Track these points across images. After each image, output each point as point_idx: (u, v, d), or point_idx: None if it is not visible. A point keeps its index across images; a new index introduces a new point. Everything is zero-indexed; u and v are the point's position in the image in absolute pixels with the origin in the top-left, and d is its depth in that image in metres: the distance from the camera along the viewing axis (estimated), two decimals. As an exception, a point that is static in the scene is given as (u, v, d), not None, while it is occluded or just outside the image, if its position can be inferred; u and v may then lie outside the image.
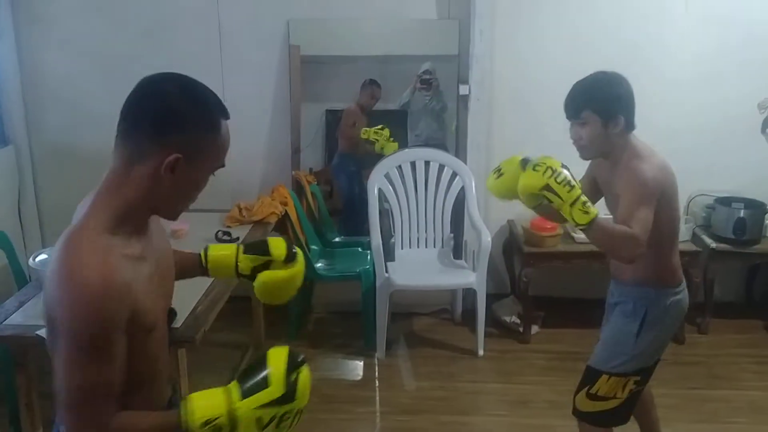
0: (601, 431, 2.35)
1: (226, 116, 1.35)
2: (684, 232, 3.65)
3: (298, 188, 3.83)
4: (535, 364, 3.57)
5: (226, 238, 3.05)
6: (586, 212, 1.99)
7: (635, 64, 3.71)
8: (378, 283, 3.51)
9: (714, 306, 3.82)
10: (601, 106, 2.12)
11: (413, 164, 3.82)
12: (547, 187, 1.99)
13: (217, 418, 1.21)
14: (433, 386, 3.36)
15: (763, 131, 3.86)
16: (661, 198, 2.09)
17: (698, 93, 3.79)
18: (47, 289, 1.22)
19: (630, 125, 2.15)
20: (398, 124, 4.15)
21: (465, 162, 3.85)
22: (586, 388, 2.32)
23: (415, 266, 3.72)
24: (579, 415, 2.36)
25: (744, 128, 3.81)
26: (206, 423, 1.21)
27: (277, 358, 1.29)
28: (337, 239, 4.02)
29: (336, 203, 4.15)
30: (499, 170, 2.23)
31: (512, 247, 3.95)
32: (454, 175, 3.80)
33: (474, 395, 3.34)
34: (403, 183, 3.81)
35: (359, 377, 3.47)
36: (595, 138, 2.14)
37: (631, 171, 2.09)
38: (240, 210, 3.33)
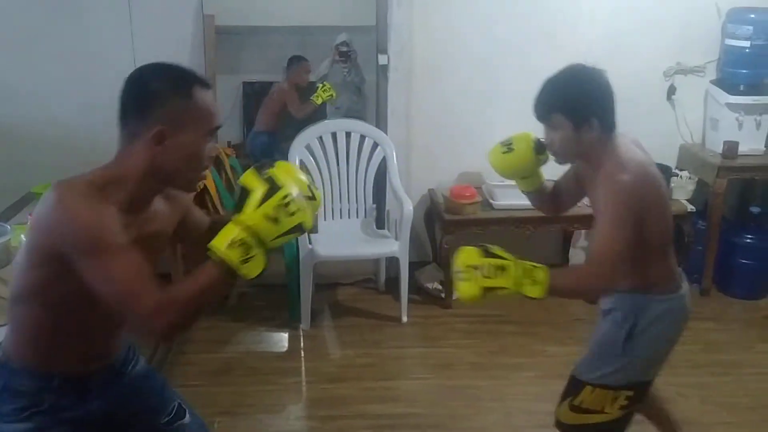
0: None
1: (202, 84, 1.48)
2: (596, 196, 3.78)
3: (217, 162, 3.77)
4: (457, 328, 3.66)
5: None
6: (535, 283, 1.76)
7: (553, 38, 3.84)
8: (301, 255, 3.51)
9: (625, 266, 3.99)
10: (570, 109, 1.91)
11: (334, 135, 3.82)
12: (485, 290, 1.77)
13: (234, 235, 1.37)
14: (358, 354, 3.41)
15: (668, 98, 4.04)
16: (643, 209, 1.87)
17: (608, 66, 3.90)
18: (45, 232, 1.39)
19: (607, 127, 1.93)
20: (306, 96, 4.14)
21: (386, 132, 3.87)
22: (568, 399, 2.12)
23: (339, 237, 3.73)
24: (561, 427, 2.18)
25: (651, 96, 3.97)
26: (230, 245, 1.36)
27: (248, 177, 1.44)
28: (258, 212, 3.97)
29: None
30: (510, 145, 2.08)
31: (433, 215, 4.01)
32: (375, 145, 3.81)
33: (399, 360, 3.41)
34: (325, 154, 3.81)
35: (284, 349, 3.48)
36: (567, 142, 1.94)
37: (610, 185, 1.86)
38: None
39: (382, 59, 3.83)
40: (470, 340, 3.54)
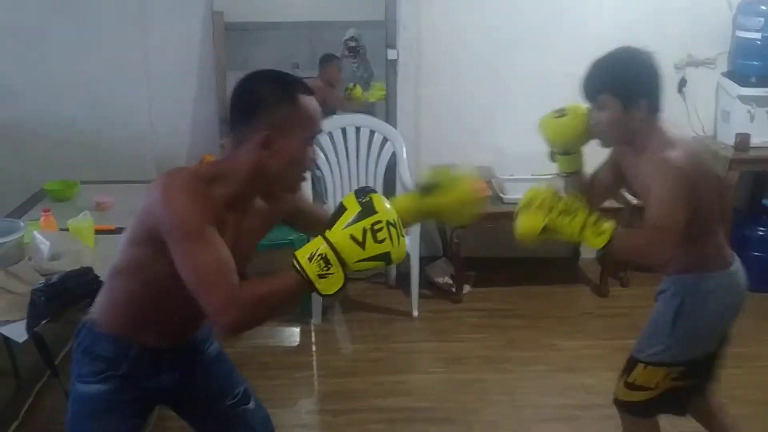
0: (642, 423, 2.19)
1: (306, 91, 1.54)
2: (606, 189, 3.77)
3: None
4: (467, 322, 3.66)
5: (154, 209, 3.00)
6: (600, 233, 1.82)
7: (561, 31, 3.83)
8: (312, 250, 3.51)
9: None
10: (620, 89, 1.92)
11: (344, 131, 3.82)
12: (546, 229, 1.84)
13: (317, 249, 1.40)
14: (369, 348, 3.42)
15: (679, 90, 4.02)
16: (694, 185, 1.89)
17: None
18: (148, 214, 1.48)
19: (654, 109, 1.95)
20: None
21: (395, 127, 3.87)
22: (624, 377, 2.17)
23: (348, 232, 3.73)
24: (617, 404, 2.23)
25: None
26: (311, 257, 1.39)
27: (348, 197, 1.47)
28: (269, 208, 3.99)
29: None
30: (563, 111, 2.06)
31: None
32: (384, 140, 3.81)
33: (409, 354, 3.42)
34: (335, 149, 3.81)
35: (296, 343, 3.49)
36: (614, 124, 1.94)
37: (661, 161, 1.89)
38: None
39: (391, 54, 3.83)
40: (480, 334, 3.54)
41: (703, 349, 2.13)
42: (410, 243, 3.58)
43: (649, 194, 1.92)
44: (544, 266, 4.18)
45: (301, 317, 3.64)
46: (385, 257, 1.41)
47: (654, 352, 2.09)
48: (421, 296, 3.74)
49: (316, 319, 3.61)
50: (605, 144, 2.07)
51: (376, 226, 1.39)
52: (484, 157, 3.95)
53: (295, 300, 1.49)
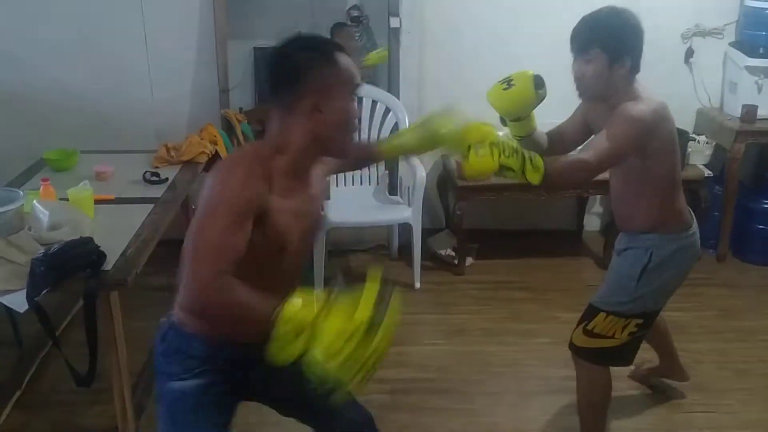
0: (596, 369, 2.30)
1: (339, 49, 1.56)
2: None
3: (228, 128, 3.74)
4: (469, 294, 3.65)
5: (154, 179, 2.97)
6: (536, 169, 1.92)
7: (563, 0, 3.77)
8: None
9: (639, 232, 3.96)
10: (610, 44, 2.02)
11: (345, 101, 3.77)
12: (501, 168, 1.91)
13: (297, 323, 1.34)
14: (371, 320, 3.41)
15: (686, 61, 3.96)
16: (650, 141, 2.02)
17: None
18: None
19: (635, 68, 2.07)
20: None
21: (398, 97, 3.82)
22: (583, 324, 2.28)
23: (351, 204, 3.72)
24: (574, 349, 2.33)
25: (668, 58, 3.89)
26: (287, 321, 1.34)
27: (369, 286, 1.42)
28: (270, 179, 3.96)
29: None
30: (510, 81, 2.11)
31: (446, 181, 3.98)
32: (387, 111, 3.77)
33: (412, 326, 3.40)
34: (336, 120, 3.77)
35: (298, 315, 3.48)
36: (598, 77, 2.05)
37: (623, 109, 2.01)
38: (168, 150, 3.24)
39: (394, 22, 3.77)
40: (482, 306, 3.53)
41: (659, 303, 2.28)
42: (413, 215, 3.56)
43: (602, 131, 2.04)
44: (547, 238, 4.17)
45: (303, 289, 3.63)
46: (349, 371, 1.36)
47: (617, 302, 2.21)
48: (423, 268, 3.72)
49: (318, 290, 3.59)
50: (583, 96, 2.17)
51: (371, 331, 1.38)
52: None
53: (254, 331, 1.39)
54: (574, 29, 2.09)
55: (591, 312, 2.27)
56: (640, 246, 2.20)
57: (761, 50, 3.71)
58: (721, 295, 3.60)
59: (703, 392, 2.85)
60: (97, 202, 2.61)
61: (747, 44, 3.79)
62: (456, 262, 3.85)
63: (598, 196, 4.17)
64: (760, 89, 3.74)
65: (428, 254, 3.90)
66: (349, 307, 1.37)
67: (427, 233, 3.88)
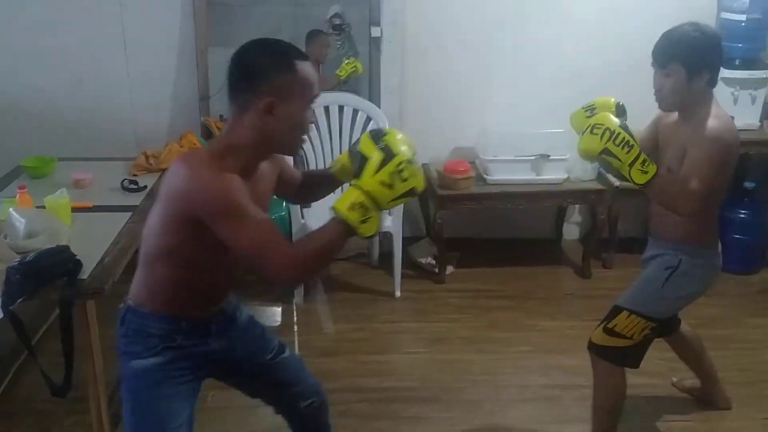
0: (614, 370, 2.37)
1: (300, 57, 1.62)
2: (590, 170, 3.78)
3: (208, 135, 3.73)
4: (450, 302, 3.66)
5: (132, 187, 2.95)
6: (645, 171, 2.01)
7: (547, 13, 3.79)
8: (294, 229, 3.49)
9: (618, 242, 4.00)
10: (689, 59, 2.10)
11: (327, 109, 3.78)
12: (606, 151, 2.02)
13: (354, 198, 1.53)
14: (352, 328, 3.41)
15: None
16: (726, 161, 2.11)
17: (603, 39, 3.85)
18: (180, 201, 1.57)
19: (713, 82, 2.15)
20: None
21: (379, 106, 3.83)
22: (605, 323, 2.36)
23: (331, 211, 3.70)
24: (592, 347, 2.40)
25: (647, 70, 3.89)
26: (351, 207, 1.53)
27: (365, 145, 1.61)
28: (251, 187, 3.95)
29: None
30: (593, 109, 2.23)
31: (427, 190, 3.98)
32: (368, 119, 3.78)
33: (392, 335, 3.41)
34: (318, 128, 3.77)
35: (278, 323, 3.47)
36: (676, 91, 2.14)
37: (708, 129, 2.08)
38: (147, 158, 3.22)
39: (375, 32, 3.78)
40: (462, 314, 3.54)
41: (675, 310, 2.41)
42: (393, 223, 3.57)
43: (683, 158, 2.12)
44: (527, 247, 4.19)
45: (283, 297, 3.62)
46: (412, 192, 1.57)
47: (641, 302, 2.30)
48: (404, 276, 3.73)
49: (298, 299, 3.59)
50: (663, 108, 2.24)
51: (400, 167, 1.54)
52: (468, 137, 3.93)
53: (342, 247, 1.62)
54: (656, 44, 2.19)
55: (614, 312, 2.35)
56: (670, 252, 2.30)
57: (737, 62, 3.76)
58: (698, 304, 3.54)
59: (681, 400, 2.87)
60: (75, 209, 2.59)
61: (723, 56, 3.83)
62: (436, 270, 3.86)
63: (577, 206, 4.20)
64: (736, 100, 3.79)
65: (409, 263, 3.91)
66: (364, 163, 1.58)
67: (407, 242, 3.89)
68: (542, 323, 3.45)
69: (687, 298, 2.36)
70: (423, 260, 3.94)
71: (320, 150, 3.79)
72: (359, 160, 1.60)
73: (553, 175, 3.71)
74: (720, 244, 2.36)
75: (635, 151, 2.01)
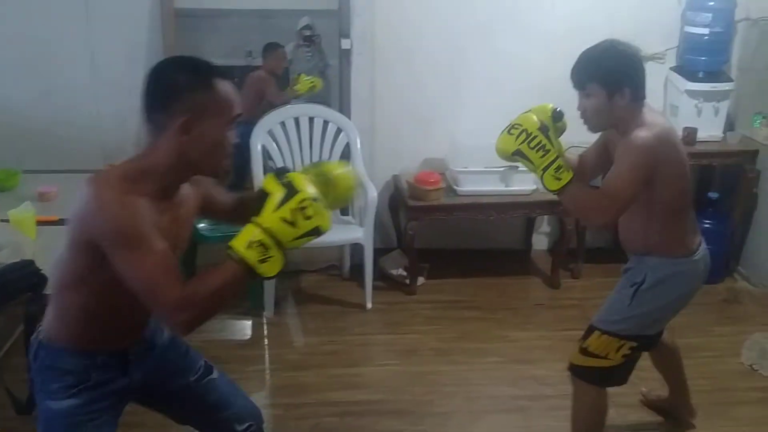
0: (592, 390, 2.33)
1: (219, 76, 1.54)
2: (558, 182, 3.81)
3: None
4: (421, 314, 3.67)
5: (100, 200, 2.91)
6: (558, 178, 2.01)
7: (512, 27, 3.84)
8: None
9: (585, 252, 4.04)
10: (606, 78, 2.07)
11: (297, 120, 3.77)
12: (519, 153, 2.01)
13: (252, 236, 1.43)
14: (322, 341, 3.39)
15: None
16: (657, 168, 2.05)
17: (569, 52, 3.89)
18: (82, 226, 1.49)
19: (637, 97, 2.10)
20: (281, 83, 4.08)
21: (349, 118, 3.84)
22: (581, 342, 2.31)
23: (302, 223, 3.69)
24: (571, 368, 2.35)
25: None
26: (249, 245, 1.43)
27: (267, 181, 1.52)
28: (220, 199, 3.92)
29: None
30: (518, 126, 2.13)
31: (397, 201, 4.00)
32: (338, 131, 3.78)
33: (364, 347, 3.40)
34: (288, 140, 3.76)
35: (247, 337, 3.44)
36: (599, 111, 2.10)
37: (630, 139, 2.05)
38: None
39: (345, 44, 3.79)
40: (434, 326, 3.55)
41: (654, 329, 2.32)
42: (364, 234, 3.57)
43: (615, 163, 2.08)
44: (497, 258, 4.21)
45: (253, 310, 3.59)
46: (316, 231, 1.48)
47: (610, 321, 2.25)
48: (375, 288, 3.72)
49: (268, 312, 3.57)
50: (591, 129, 2.20)
51: (303, 204, 1.45)
52: (438, 148, 3.95)
53: (241, 289, 1.51)
54: (573, 67, 2.15)
55: (588, 331, 2.30)
56: (638, 267, 2.25)
57: (701, 75, 3.84)
58: None
59: (646, 409, 2.90)
60: (40, 223, 2.54)
61: (687, 69, 3.92)
62: (407, 281, 3.86)
63: (546, 216, 4.24)
64: (699, 112, 3.87)
65: (380, 274, 3.91)
66: (265, 200, 1.48)
67: (378, 253, 3.89)
68: (512, 333, 3.47)
69: (662, 312, 2.29)
70: (394, 271, 3.94)
71: (290, 162, 3.78)
72: (259, 196, 1.51)
73: (522, 186, 3.74)
74: (701, 250, 2.27)
75: (550, 156, 2.00)
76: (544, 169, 2.01)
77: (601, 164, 2.33)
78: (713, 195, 4.03)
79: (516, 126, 2.03)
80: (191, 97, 1.50)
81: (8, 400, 2.21)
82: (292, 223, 1.45)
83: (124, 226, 1.44)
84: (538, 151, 1.99)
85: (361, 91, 3.87)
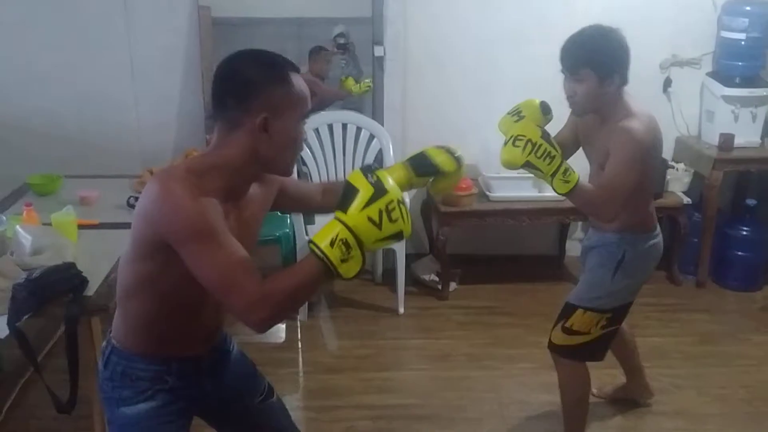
0: (577, 366, 2.46)
1: (294, 69, 1.50)
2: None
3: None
4: (453, 319, 3.67)
5: (139, 204, 2.97)
6: (567, 181, 2.06)
7: (546, 32, 3.82)
8: (298, 247, 3.51)
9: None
10: (599, 64, 2.11)
11: (330, 127, 3.81)
12: (528, 164, 2.04)
13: (337, 234, 1.34)
14: (355, 345, 3.42)
15: (664, 90, 4.04)
16: (647, 156, 2.17)
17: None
18: (149, 223, 1.43)
19: (624, 81, 2.18)
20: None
21: (382, 124, 3.86)
22: (561, 322, 2.41)
23: (335, 229, 3.72)
24: (553, 348, 2.47)
25: (647, 88, 3.96)
26: (332, 243, 1.34)
27: (354, 176, 1.40)
28: (255, 204, 3.97)
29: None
30: (519, 113, 2.20)
31: (429, 207, 4.01)
32: (371, 137, 3.81)
33: (395, 351, 3.42)
34: (321, 146, 3.80)
35: (282, 340, 3.48)
36: (590, 95, 2.15)
37: (623, 130, 2.12)
38: (152, 174, 3.24)
39: (378, 51, 3.82)
40: (466, 331, 3.55)
41: (628, 299, 2.42)
42: (396, 240, 3.58)
43: (607, 158, 2.16)
44: (530, 263, 4.20)
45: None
46: (399, 235, 1.38)
47: (593, 297, 2.36)
48: (407, 293, 3.74)
49: (302, 316, 3.60)
50: (577, 113, 2.28)
51: (390, 206, 1.36)
52: (470, 154, 3.91)
53: (319, 288, 1.46)
54: (562, 49, 2.18)
55: (568, 310, 2.40)
56: (611, 243, 2.34)
57: (737, 80, 3.79)
58: (701, 321, 3.64)
59: (683, 418, 2.87)
60: (81, 227, 2.60)
61: (723, 74, 3.87)
62: (440, 287, 3.87)
63: (580, 222, 4.21)
64: (736, 118, 3.82)
65: (412, 279, 3.92)
66: (353, 196, 1.39)
67: (410, 258, 3.90)
68: (544, 340, 3.40)
69: (636, 286, 2.41)
70: (426, 277, 3.95)
71: (324, 168, 3.82)
72: (344, 191, 1.39)
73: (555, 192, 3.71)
74: (658, 227, 2.41)
75: (557, 161, 2.04)
76: (553, 175, 2.06)
77: (572, 144, 2.40)
78: (751, 202, 3.97)
79: (520, 138, 2.05)
80: (269, 93, 1.44)
81: (49, 399, 2.28)
82: (377, 224, 1.35)
83: (194, 219, 1.37)
84: (545, 159, 2.03)
85: (393, 97, 3.89)
